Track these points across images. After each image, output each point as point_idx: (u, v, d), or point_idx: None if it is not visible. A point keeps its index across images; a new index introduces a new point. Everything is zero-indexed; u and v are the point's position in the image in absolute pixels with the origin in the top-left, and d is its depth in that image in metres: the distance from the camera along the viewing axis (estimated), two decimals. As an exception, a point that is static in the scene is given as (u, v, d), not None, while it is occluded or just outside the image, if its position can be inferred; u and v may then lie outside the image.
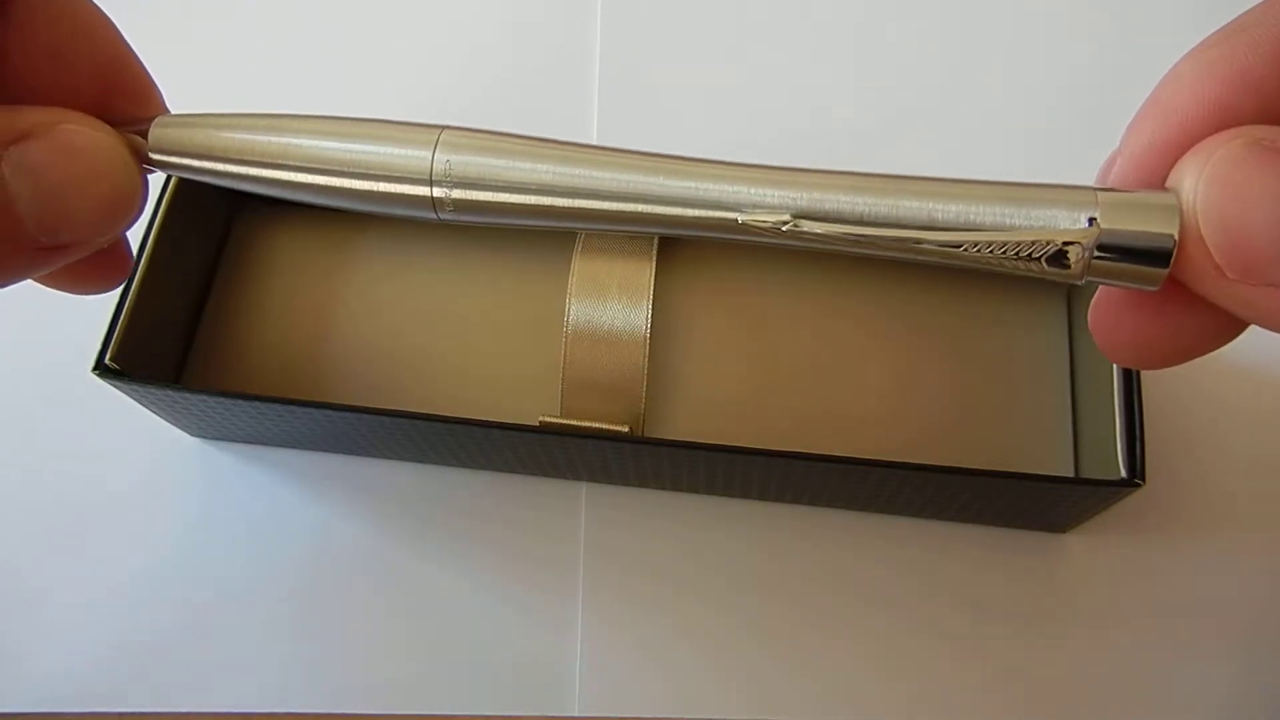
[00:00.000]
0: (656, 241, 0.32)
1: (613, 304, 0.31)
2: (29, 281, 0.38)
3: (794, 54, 0.41)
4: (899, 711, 0.30)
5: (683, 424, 0.32)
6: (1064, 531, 0.32)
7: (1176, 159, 0.16)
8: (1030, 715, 0.30)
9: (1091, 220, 0.16)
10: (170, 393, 0.29)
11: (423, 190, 0.19)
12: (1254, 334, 0.36)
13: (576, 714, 0.31)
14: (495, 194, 0.19)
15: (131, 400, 0.31)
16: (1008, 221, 0.16)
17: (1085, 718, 0.30)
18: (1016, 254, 0.16)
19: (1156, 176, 0.16)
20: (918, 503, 0.31)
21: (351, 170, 0.20)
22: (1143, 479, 0.27)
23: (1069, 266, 0.16)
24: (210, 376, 0.33)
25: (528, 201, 0.19)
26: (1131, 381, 0.28)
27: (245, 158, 0.20)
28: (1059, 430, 0.31)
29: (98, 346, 0.29)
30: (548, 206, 0.19)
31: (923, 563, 0.32)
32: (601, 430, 0.30)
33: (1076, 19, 0.42)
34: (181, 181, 0.31)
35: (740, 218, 0.18)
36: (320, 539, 0.33)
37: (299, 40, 0.42)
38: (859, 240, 0.18)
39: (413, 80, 0.41)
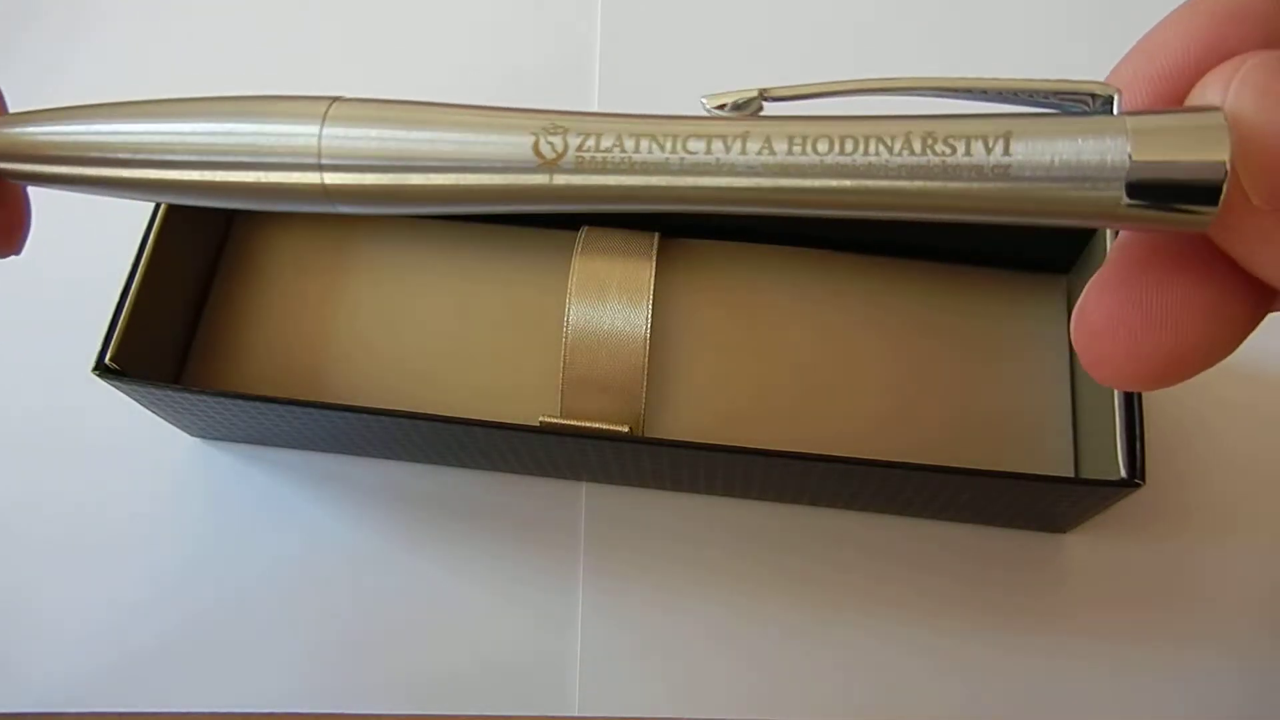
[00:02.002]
0: (656, 241, 0.32)
1: (613, 304, 0.31)
2: (29, 282, 0.38)
3: (794, 55, 0.41)
4: (899, 711, 0.30)
5: (683, 424, 0.32)
6: (1064, 531, 0.32)
7: (1166, 92, 0.14)
8: (1030, 715, 0.30)
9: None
10: (170, 393, 0.29)
11: (311, 177, 0.15)
12: (1254, 334, 0.36)
13: (576, 714, 0.31)
14: (404, 176, 0.15)
15: (131, 400, 0.31)
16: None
17: (1085, 717, 0.30)
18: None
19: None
20: (918, 503, 0.31)
21: (219, 160, 0.16)
22: (1143, 479, 0.27)
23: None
24: (210, 376, 0.33)
25: (446, 183, 0.15)
26: (1131, 381, 0.28)
27: (96, 156, 0.16)
28: (1059, 430, 0.31)
29: (98, 346, 0.29)
30: (477, 187, 0.15)
31: (923, 563, 0.32)
32: (601, 430, 0.30)
33: (1076, 19, 0.42)
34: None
35: (706, 102, 0.15)
36: (320, 539, 0.33)
37: (297, 43, 0.42)
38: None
39: (413, 81, 0.41)
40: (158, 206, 0.31)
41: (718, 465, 0.29)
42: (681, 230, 0.33)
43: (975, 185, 0.13)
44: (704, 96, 0.15)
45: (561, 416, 0.31)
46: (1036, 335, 0.32)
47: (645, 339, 0.30)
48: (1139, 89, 0.14)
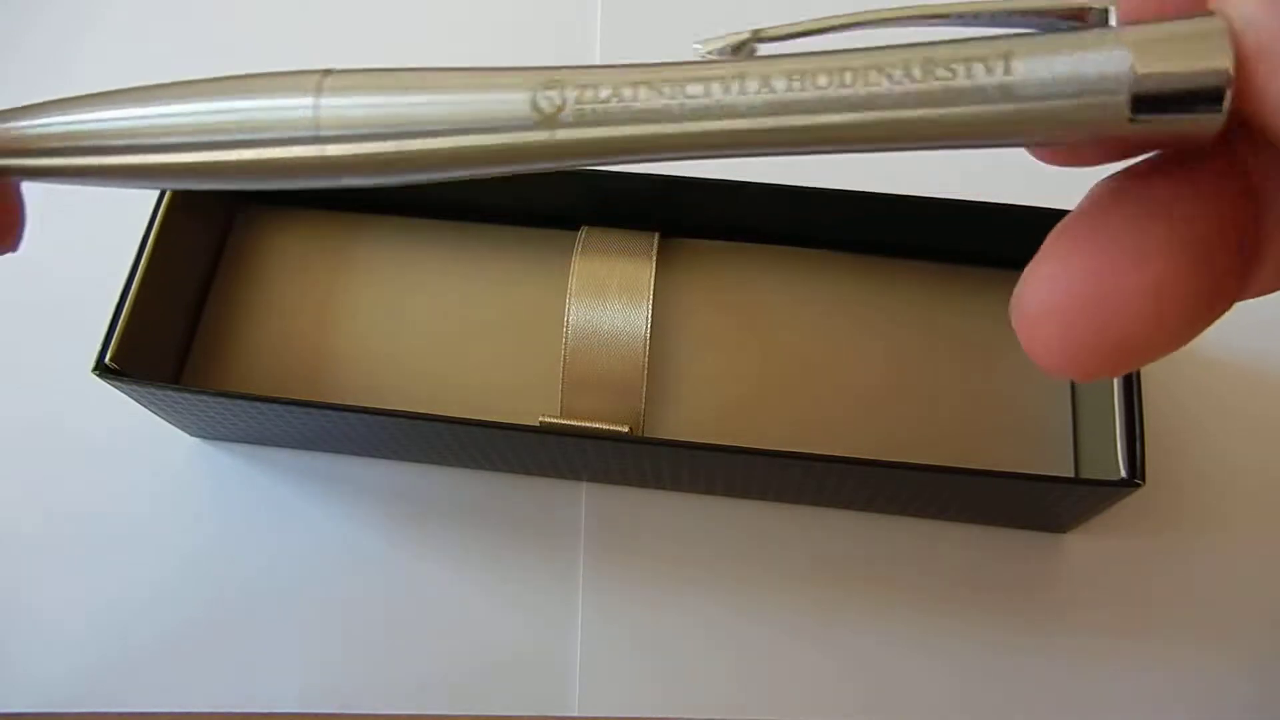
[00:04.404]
0: (656, 241, 0.32)
1: (613, 304, 0.31)
2: (29, 282, 0.38)
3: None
4: (899, 710, 0.30)
5: (683, 424, 0.32)
6: (1064, 531, 0.32)
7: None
8: (1030, 715, 0.30)
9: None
10: (170, 393, 0.29)
11: (311, 150, 0.15)
12: (1252, 332, 0.35)
13: (576, 714, 0.31)
14: (404, 142, 0.15)
15: (131, 400, 0.31)
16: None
17: (1085, 717, 0.30)
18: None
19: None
20: (917, 503, 0.31)
21: (216, 140, 0.16)
22: (1143, 479, 0.27)
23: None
24: (210, 376, 0.33)
25: (447, 145, 0.15)
26: (1131, 381, 0.28)
27: (89, 145, 0.16)
28: (1059, 430, 0.31)
29: (98, 346, 0.29)
30: (478, 147, 0.15)
31: (922, 562, 0.32)
32: (601, 430, 0.30)
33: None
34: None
35: (699, 46, 0.15)
36: (320, 539, 0.33)
37: (296, 43, 0.42)
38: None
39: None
40: (157, 205, 0.31)
41: (718, 465, 0.29)
42: (681, 230, 0.33)
43: (979, 108, 0.13)
44: (696, 42, 0.15)
45: (561, 416, 0.31)
46: (1036, 335, 0.32)
47: (645, 339, 0.30)
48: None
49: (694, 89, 0.14)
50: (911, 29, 0.14)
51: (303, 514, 0.33)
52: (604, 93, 0.14)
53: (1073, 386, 0.32)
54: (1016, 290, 0.14)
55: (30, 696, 0.31)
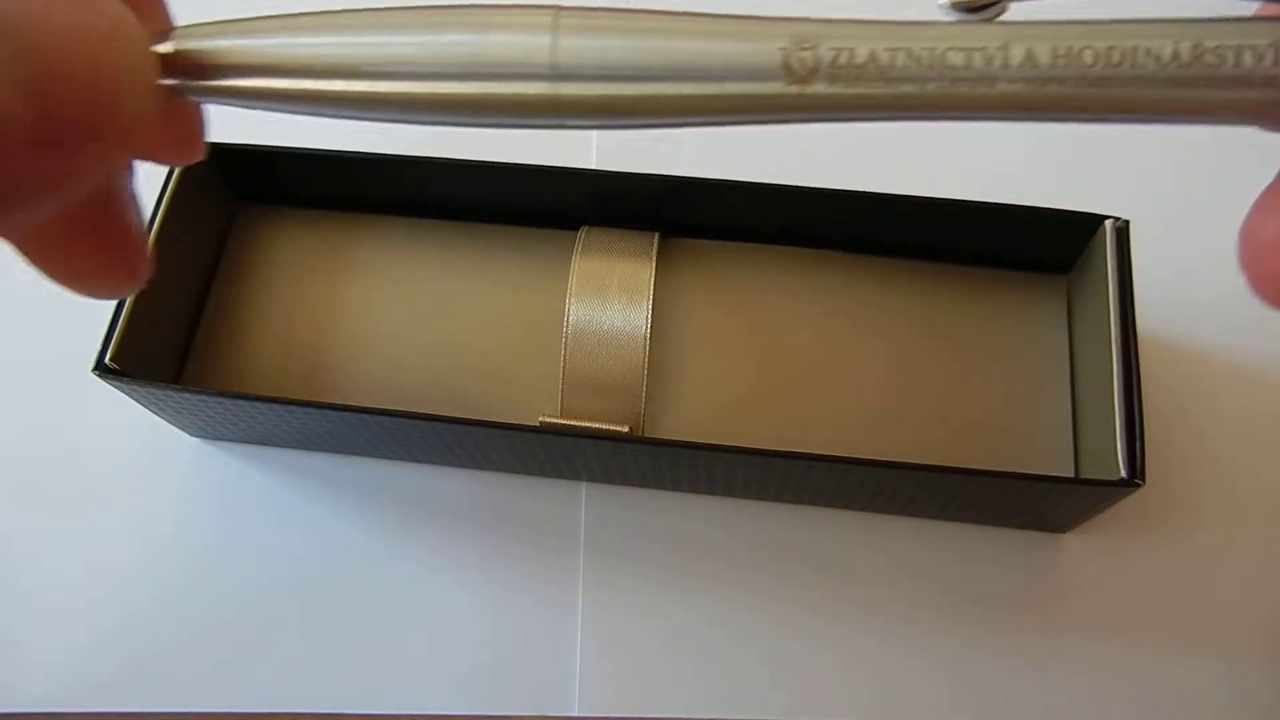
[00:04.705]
0: (656, 241, 0.32)
1: (613, 304, 0.31)
2: (29, 282, 0.38)
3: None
4: (898, 709, 0.30)
5: (683, 424, 0.32)
6: (1064, 531, 0.32)
7: None
8: (1030, 714, 0.30)
9: None
10: (170, 393, 0.29)
11: (542, 88, 0.15)
12: (1253, 335, 0.35)
13: (576, 714, 0.31)
14: (646, 86, 0.15)
15: (131, 400, 0.31)
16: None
17: (1084, 717, 0.30)
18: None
19: None
20: (918, 503, 0.31)
21: (439, 71, 0.15)
22: (1142, 479, 0.27)
23: None
24: (210, 376, 0.33)
25: (689, 93, 0.15)
26: (1131, 381, 0.28)
27: (306, 69, 0.15)
28: (1059, 430, 0.31)
29: (98, 346, 0.29)
30: (722, 97, 0.15)
31: (923, 562, 0.32)
32: (601, 430, 0.30)
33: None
34: (181, 181, 0.31)
35: (944, 1, 0.14)
36: (320, 539, 0.33)
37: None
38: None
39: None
40: (157, 206, 0.31)
41: (718, 465, 0.29)
42: (681, 230, 0.33)
43: (1240, 93, 0.13)
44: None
45: (561, 416, 0.31)
46: (1036, 335, 0.32)
47: (645, 339, 0.30)
48: None
49: (955, 58, 0.14)
50: None
51: (302, 514, 0.33)
52: (860, 57, 0.14)
53: (1073, 387, 0.32)
54: (1246, 222, 0.14)
55: (31, 696, 0.31)
